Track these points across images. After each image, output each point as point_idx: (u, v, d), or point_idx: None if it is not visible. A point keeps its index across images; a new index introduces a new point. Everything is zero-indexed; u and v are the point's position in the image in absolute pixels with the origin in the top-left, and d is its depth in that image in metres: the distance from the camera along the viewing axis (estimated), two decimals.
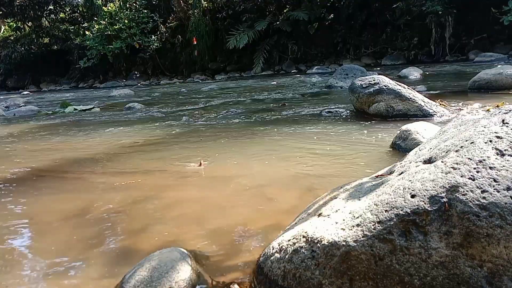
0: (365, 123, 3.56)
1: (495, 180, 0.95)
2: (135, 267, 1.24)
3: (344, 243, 1.01)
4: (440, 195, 0.97)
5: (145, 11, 16.72)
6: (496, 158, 1.01)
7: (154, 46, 16.69)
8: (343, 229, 1.05)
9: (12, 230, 1.78)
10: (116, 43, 16.15)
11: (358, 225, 1.04)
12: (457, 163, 1.04)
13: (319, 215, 1.21)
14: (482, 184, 0.95)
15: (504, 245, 0.87)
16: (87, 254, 1.50)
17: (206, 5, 17.04)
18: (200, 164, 2.51)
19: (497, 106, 3.16)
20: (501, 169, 0.97)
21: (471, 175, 0.98)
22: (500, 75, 4.72)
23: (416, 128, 2.55)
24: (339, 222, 1.09)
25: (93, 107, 7.12)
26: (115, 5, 17.00)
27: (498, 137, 1.08)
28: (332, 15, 15.18)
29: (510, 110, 1.24)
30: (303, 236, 1.12)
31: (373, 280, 0.96)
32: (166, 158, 2.95)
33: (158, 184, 2.30)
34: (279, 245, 1.17)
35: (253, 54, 15.58)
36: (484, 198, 0.92)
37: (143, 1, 16.94)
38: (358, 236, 1.01)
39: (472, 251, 0.89)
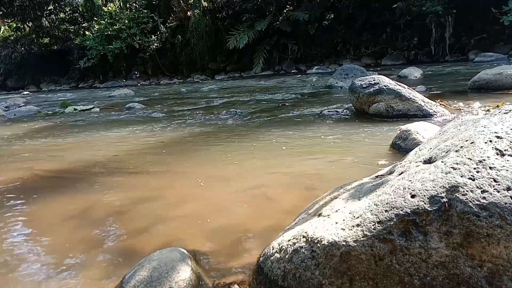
0: (365, 123, 3.56)
1: (495, 180, 0.95)
2: (135, 267, 1.24)
3: (344, 243, 1.01)
4: (440, 195, 0.97)
5: (145, 11, 16.72)
6: (496, 158, 1.01)
7: (154, 46, 16.69)
8: (343, 229, 1.05)
9: (12, 230, 1.78)
10: (116, 43, 16.15)
11: (358, 225, 1.04)
12: (457, 163, 1.04)
13: (319, 215, 1.21)
14: (482, 184, 0.95)
15: (504, 245, 0.87)
16: (87, 254, 1.50)
17: (206, 5, 17.03)
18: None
19: (497, 106, 3.16)
20: (501, 169, 0.97)
21: (471, 175, 0.98)
22: (500, 75, 4.72)
23: (416, 128, 2.55)
24: (339, 222, 1.09)
25: (93, 107, 7.12)
26: (115, 5, 17.01)
27: (498, 137, 1.08)
28: (332, 15, 15.18)
29: (510, 110, 1.25)
30: (303, 236, 1.12)
31: (373, 280, 0.96)
32: (165, 158, 2.95)
33: (158, 184, 2.30)
34: (279, 245, 1.17)
35: (253, 54, 15.58)
36: (484, 198, 0.92)
37: (143, 1, 16.95)
38: (358, 236, 1.01)
39: (472, 251, 0.89)
